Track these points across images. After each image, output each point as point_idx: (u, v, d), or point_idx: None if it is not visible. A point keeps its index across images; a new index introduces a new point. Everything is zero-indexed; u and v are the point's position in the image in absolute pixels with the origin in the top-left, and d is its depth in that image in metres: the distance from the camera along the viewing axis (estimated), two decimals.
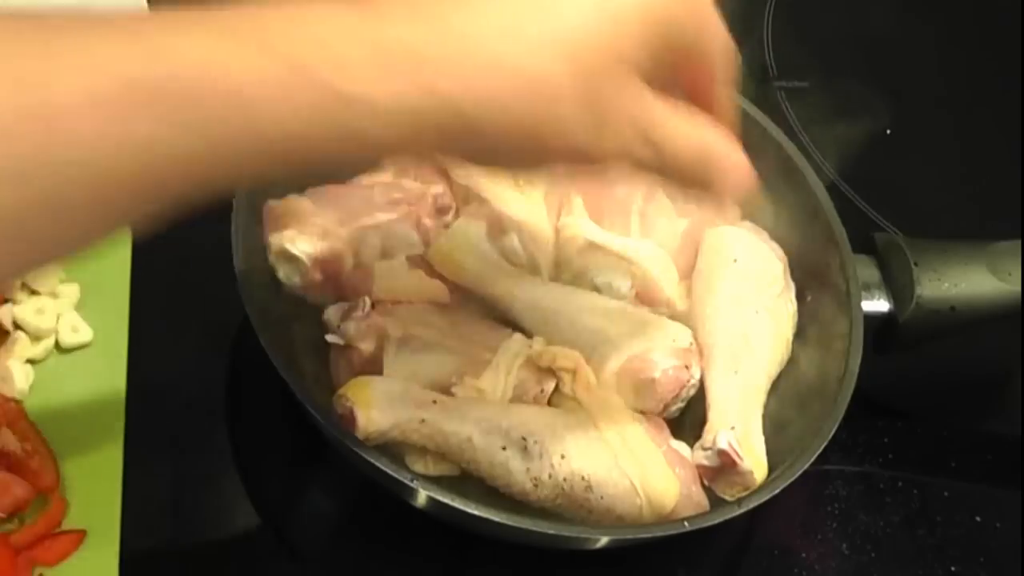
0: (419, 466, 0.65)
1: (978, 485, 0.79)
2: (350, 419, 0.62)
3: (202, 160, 0.42)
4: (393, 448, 0.64)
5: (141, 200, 0.42)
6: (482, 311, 0.72)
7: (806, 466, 0.64)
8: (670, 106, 0.47)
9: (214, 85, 0.41)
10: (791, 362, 0.73)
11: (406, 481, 0.60)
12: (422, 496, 0.61)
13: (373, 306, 0.68)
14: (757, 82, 0.91)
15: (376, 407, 0.62)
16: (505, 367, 0.67)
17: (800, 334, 0.74)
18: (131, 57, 0.40)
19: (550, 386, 0.68)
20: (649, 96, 0.47)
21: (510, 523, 0.60)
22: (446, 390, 0.66)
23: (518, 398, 0.67)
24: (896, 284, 0.75)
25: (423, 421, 0.63)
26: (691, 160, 0.49)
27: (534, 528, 0.60)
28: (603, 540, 0.64)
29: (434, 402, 0.64)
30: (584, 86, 0.44)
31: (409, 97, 0.43)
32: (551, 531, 0.61)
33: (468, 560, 0.69)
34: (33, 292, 0.73)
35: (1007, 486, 0.80)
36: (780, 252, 0.76)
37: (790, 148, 0.78)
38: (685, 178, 0.49)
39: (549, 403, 0.68)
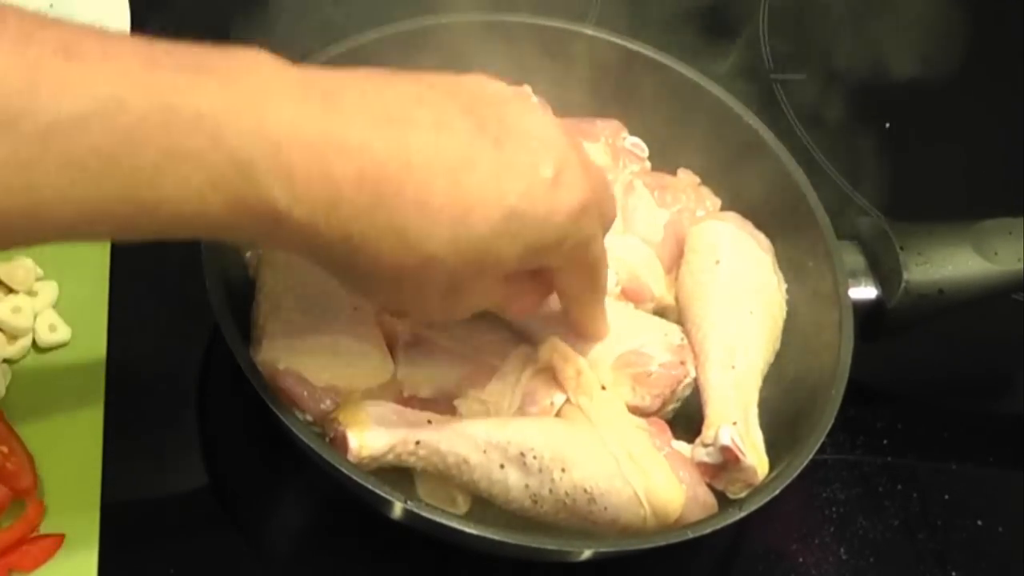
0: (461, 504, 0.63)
1: (980, 488, 0.78)
2: (342, 443, 0.60)
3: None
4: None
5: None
6: (498, 320, 0.70)
7: (806, 463, 0.63)
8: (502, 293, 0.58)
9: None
10: (780, 356, 0.72)
11: (400, 503, 0.58)
12: (416, 515, 0.59)
13: None
14: (753, 74, 0.90)
15: (370, 430, 0.60)
16: (513, 377, 0.66)
17: (788, 327, 0.73)
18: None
19: (560, 399, 0.66)
20: (492, 289, 0.57)
21: (509, 541, 0.58)
22: (452, 399, 0.65)
23: (526, 410, 0.66)
24: (883, 270, 0.74)
25: (418, 443, 0.61)
26: None
27: (535, 544, 0.59)
28: (609, 551, 0.63)
29: (429, 422, 0.62)
30: (450, 283, 0.54)
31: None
32: (552, 547, 0.60)
33: (448, 571, 0.68)
34: (10, 290, 0.72)
35: (1010, 489, 0.79)
36: (766, 243, 0.75)
37: (767, 135, 0.77)
38: None
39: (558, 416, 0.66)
